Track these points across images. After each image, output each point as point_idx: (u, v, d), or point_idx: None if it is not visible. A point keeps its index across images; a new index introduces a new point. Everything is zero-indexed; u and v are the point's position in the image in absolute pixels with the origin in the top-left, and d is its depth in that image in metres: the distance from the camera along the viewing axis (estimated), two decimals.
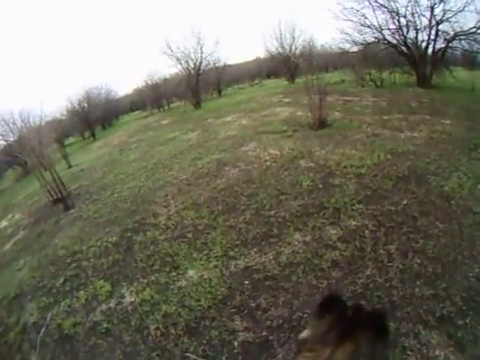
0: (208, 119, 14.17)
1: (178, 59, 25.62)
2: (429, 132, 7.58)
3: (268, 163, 6.77)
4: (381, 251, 3.69)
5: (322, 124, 8.89)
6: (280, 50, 30.99)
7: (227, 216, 4.98)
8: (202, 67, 26.71)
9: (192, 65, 26.08)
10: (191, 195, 6.09)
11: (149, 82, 31.15)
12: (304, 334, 1.08)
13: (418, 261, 3.49)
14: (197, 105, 23.53)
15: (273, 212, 4.79)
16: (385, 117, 9.34)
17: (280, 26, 30.60)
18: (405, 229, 4.01)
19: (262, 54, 38.55)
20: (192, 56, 25.97)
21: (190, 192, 6.26)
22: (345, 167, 5.88)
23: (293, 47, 30.97)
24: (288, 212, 4.70)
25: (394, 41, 20.94)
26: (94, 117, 27.29)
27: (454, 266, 3.38)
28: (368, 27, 20.95)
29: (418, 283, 3.21)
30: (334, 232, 4.10)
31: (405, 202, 4.58)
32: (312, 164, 6.28)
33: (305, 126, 9.18)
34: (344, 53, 24.42)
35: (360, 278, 3.37)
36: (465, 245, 3.64)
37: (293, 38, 30.82)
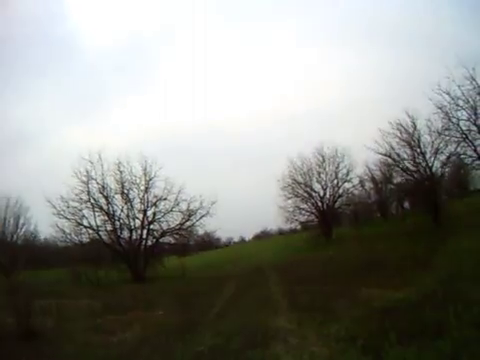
0: None
1: None
2: (142, 328, 8.08)
3: None
4: None
5: (32, 335, 8.01)
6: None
7: None
8: None
9: None
10: None
11: None
12: None
13: None
14: None
15: None
16: (99, 320, 9.51)
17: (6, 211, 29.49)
18: None
19: None
20: None
21: None
22: None
23: (15, 236, 30.52)
24: None
25: (109, 241, 23.48)
26: None
27: None
28: (85, 227, 23.13)
29: None
30: None
31: None
32: None
33: (10, 338, 7.94)
34: (62, 251, 25.05)
35: None
36: None
37: (17, 226, 30.48)
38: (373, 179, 35.45)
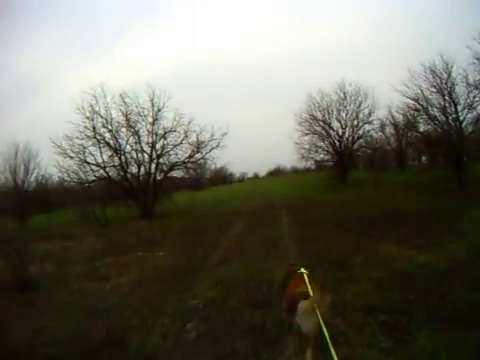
0: None
1: None
2: (138, 272, 7.68)
3: None
4: None
5: (24, 286, 7.58)
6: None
7: None
8: None
9: None
10: None
11: None
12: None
13: None
14: None
15: None
16: (97, 264, 9.17)
17: (16, 158, 29.88)
18: None
19: None
20: None
21: None
22: (36, 347, 4.72)
23: (27, 181, 30.90)
24: None
25: (118, 177, 22.89)
26: None
27: None
28: (91, 164, 22.45)
29: None
30: None
31: None
32: None
33: (4, 289, 7.62)
34: (74, 191, 24.91)
35: None
36: None
37: (27, 171, 30.73)
38: (395, 124, 33.96)
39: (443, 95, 21.19)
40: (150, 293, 6.16)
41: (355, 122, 31.71)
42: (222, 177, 64.91)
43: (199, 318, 4.85)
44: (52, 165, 23.39)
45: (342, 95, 31.46)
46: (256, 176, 78.14)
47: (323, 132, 32.12)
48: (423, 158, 40.50)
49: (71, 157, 22.06)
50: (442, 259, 6.21)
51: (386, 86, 24.20)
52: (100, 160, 22.79)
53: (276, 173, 73.59)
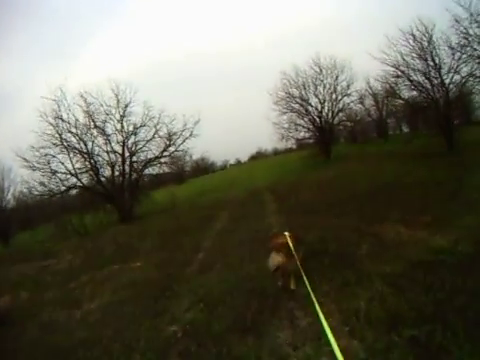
0: None
1: None
2: (113, 292, 6.89)
3: None
4: None
5: None
6: None
7: None
8: None
9: None
10: None
11: None
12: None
13: None
14: None
15: None
16: (72, 285, 8.33)
17: None
18: None
19: None
20: None
21: None
22: None
23: (4, 200, 29.92)
24: None
25: (92, 183, 21.77)
26: None
27: None
28: (62, 173, 21.15)
29: None
30: None
31: None
32: None
33: None
34: (50, 205, 23.59)
35: None
36: None
37: (2, 189, 29.79)
38: (374, 95, 33.38)
39: (425, 60, 20.28)
40: (122, 320, 5.37)
41: (333, 96, 31.05)
42: (204, 168, 64.09)
43: (177, 354, 3.98)
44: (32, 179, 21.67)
45: (317, 69, 30.67)
46: (238, 162, 77.73)
47: (301, 109, 31.30)
48: (403, 127, 40.23)
49: (39, 169, 20.47)
50: (462, 239, 5.17)
51: (362, 59, 23.17)
52: (70, 167, 21.24)
53: (258, 157, 73.35)
